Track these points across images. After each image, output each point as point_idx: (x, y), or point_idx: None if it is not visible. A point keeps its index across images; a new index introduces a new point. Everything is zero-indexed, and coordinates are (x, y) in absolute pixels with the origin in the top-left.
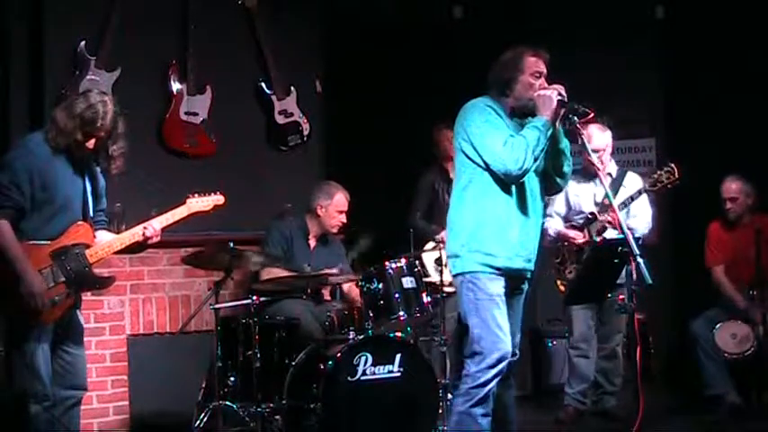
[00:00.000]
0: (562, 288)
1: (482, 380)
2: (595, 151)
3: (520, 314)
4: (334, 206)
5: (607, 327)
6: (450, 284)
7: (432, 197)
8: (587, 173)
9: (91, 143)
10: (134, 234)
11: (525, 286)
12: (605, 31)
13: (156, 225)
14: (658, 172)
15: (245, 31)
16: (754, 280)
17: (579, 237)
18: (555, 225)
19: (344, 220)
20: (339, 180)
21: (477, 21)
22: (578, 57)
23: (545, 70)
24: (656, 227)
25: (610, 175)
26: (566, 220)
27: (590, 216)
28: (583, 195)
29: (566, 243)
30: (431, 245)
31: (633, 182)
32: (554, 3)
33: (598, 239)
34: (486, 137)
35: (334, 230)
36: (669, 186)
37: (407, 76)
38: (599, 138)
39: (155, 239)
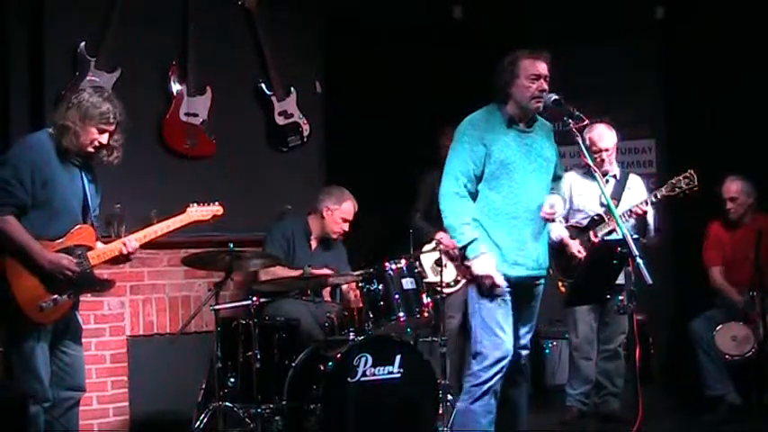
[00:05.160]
0: (563, 289)
1: (482, 378)
2: (604, 150)
3: (532, 316)
4: (341, 212)
5: (610, 328)
6: (449, 285)
7: (431, 198)
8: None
9: (104, 138)
10: (120, 247)
11: (536, 291)
12: (605, 31)
13: (134, 243)
14: (677, 178)
15: (245, 31)
16: (754, 281)
17: (581, 253)
18: (556, 229)
19: (347, 228)
20: (338, 181)
21: (477, 21)
22: (579, 57)
23: (544, 72)
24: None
25: (615, 177)
26: (566, 219)
27: (596, 218)
28: (587, 194)
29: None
30: (429, 246)
31: (636, 184)
32: (554, 3)
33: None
34: (451, 162)
35: (335, 236)
36: (687, 193)
37: (407, 76)
38: (607, 137)
39: (132, 257)
